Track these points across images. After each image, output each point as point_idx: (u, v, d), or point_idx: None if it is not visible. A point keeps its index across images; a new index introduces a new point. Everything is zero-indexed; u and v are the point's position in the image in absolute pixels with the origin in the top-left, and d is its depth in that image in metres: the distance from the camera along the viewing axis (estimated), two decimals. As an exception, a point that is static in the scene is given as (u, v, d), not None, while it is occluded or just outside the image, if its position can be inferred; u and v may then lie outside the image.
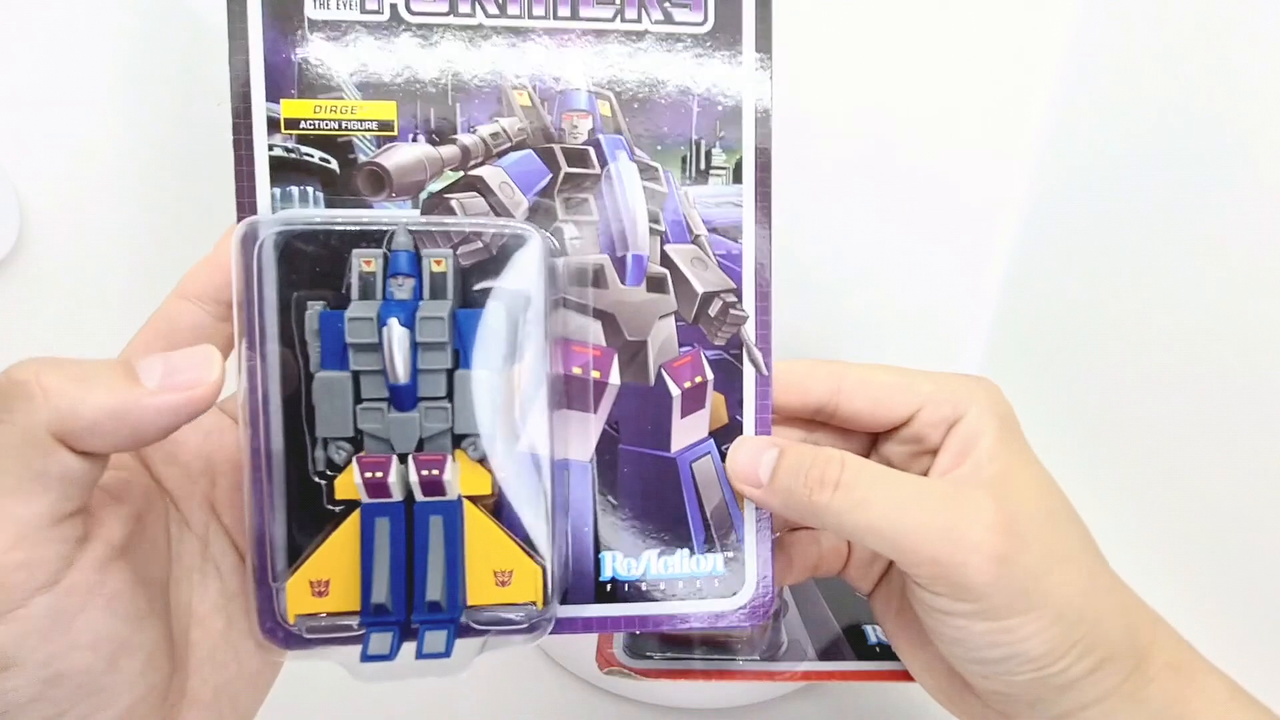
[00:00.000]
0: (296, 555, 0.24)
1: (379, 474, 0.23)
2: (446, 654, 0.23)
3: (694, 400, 0.27)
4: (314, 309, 0.23)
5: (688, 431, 0.27)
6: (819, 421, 0.27)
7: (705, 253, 0.27)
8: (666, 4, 0.26)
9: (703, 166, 0.27)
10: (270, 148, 0.25)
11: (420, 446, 0.23)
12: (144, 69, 0.31)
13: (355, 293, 0.23)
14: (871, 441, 0.27)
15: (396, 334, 0.22)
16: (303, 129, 0.25)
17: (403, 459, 0.23)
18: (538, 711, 0.34)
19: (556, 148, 0.26)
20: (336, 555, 0.24)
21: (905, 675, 0.31)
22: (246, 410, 0.23)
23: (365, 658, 0.23)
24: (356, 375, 0.23)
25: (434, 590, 0.23)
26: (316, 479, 0.24)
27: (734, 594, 0.28)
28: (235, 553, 0.23)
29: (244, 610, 0.24)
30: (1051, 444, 0.38)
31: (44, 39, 0.29)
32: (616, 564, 0.27)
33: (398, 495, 0.23)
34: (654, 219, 0.27)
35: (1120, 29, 0.36)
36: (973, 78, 0.41)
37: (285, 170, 0.25)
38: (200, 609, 0.22)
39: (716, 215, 0.27)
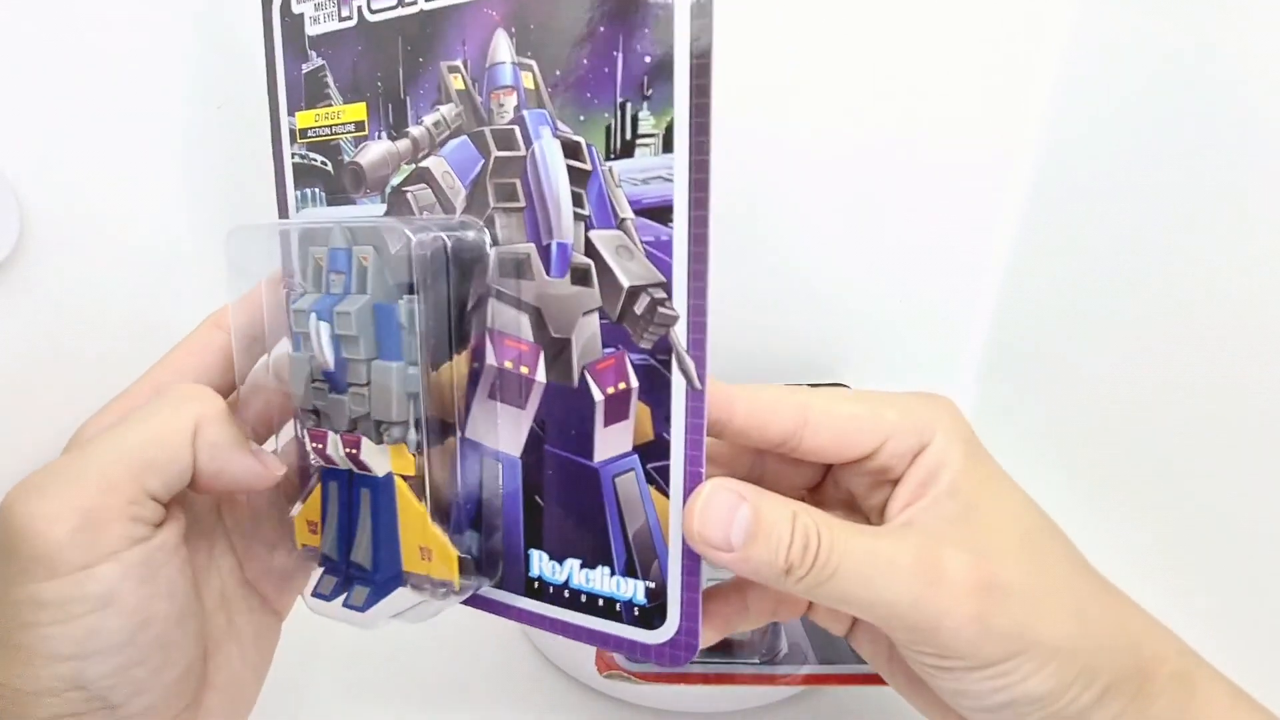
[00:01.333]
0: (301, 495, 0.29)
1: (320, 445, 0.26)
2: (362, 609, 0.26)
3: (618, 408, 0.24)
4: (291, 297, 0.27)
5: (611, 442, 0.24)
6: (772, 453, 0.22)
7: (631, 240, 0.23)
8: None
9: (628, 136, 0.22)
10: (292, 156, 0.29)
11: (354, 426, 0.26)
12: (145, 71, 0.30)
13: (310, 284, 0.26)
14: (825, 469, 0.24)
15: (314, 327, 0.24)
16: (309, 137, 0.28)
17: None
18: (536, 714, 0.31)
19: (486, 130, 0.24)
20: (319, 504, 0.28)
21: None
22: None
23: (314, 592, 0.27)
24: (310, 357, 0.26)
25: (358, 552, 0.25)
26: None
27: (655, 628, 0.24)
28: (233, 555, 0.23)
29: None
30: (1049, 445, 0.38)
31: (44, 40, 0.27)
32: (543, 564, 0.26)
33: (342, 466, 0.26)
34: (578, 201, 0.23)
35: (1120, 28, 0.34)
36: (972, 77, 0.39)
37: (303, 175, 0.29)
38: (209, 605, 0.22)
39: (644, 193, 0.22)
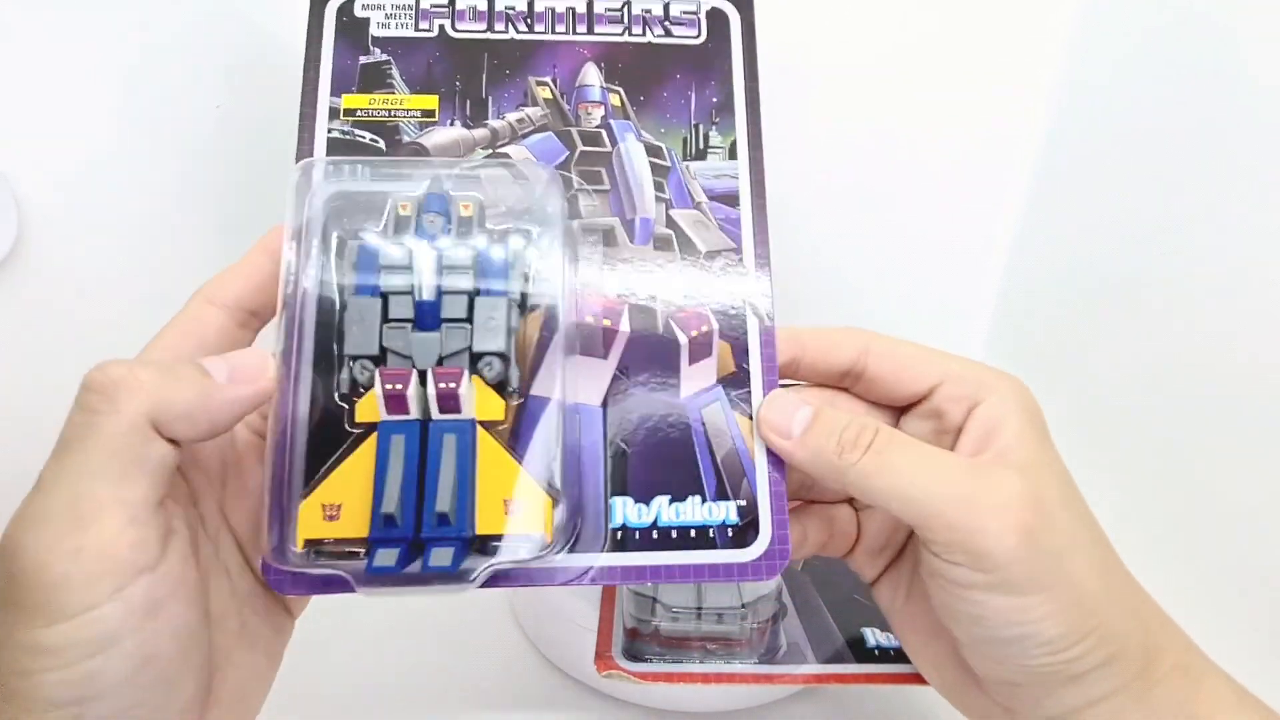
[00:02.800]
0: (312, 479, 0.23)
1: (399, 385, 0.22)
2: (452, 569, 0.21)
3: (701, 348, 0.28)
4: (352, 245, 0.25)
5: (696, 378, 0.27)
6: (841, 389, 0.25)
7: (707, 217, 0.29)
8: (666, 23, 0.30)
9: (701, 146, 0.30)
10: (330, 131, 0.28)
11: (440, 365, 0.24)
12: (144, 70, 0.30)
13: (391, 230, 0.25)
14: (895, 419, 0.25)
15: (424, 253, 0.24)
16: (357, 116, 0.28)
17: (422, 380, 0.23)
18: (535, 714, 0.31)
19: (573, 130, 0.29)
20: (352, 478, 0.23)
21: (906, 679, 0.27)
22: (283, 335, 0.22)
23: (370, 569, 0.21)
24: (385, 299, 0.24)
25: (444, 502, 0.22)
26: (340, 402, 0.24)
27: (748, 545, 0.26)
28: (240, 554, 0.21)
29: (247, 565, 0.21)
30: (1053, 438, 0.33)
31: (43, 39, 0.27)
32: (627, 510, 0.26)
33: (415, 412, 0.23)
34: (659, 188, 0.29)
35: (1121, 27, 0.34)
36: (974, 77, 0.39)
37: (341, 150, 0.28)
38: (216, 610, 0.20)
39: (716, 185, 0.29)
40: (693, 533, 0.23)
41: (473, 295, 0.21)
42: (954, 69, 0.39)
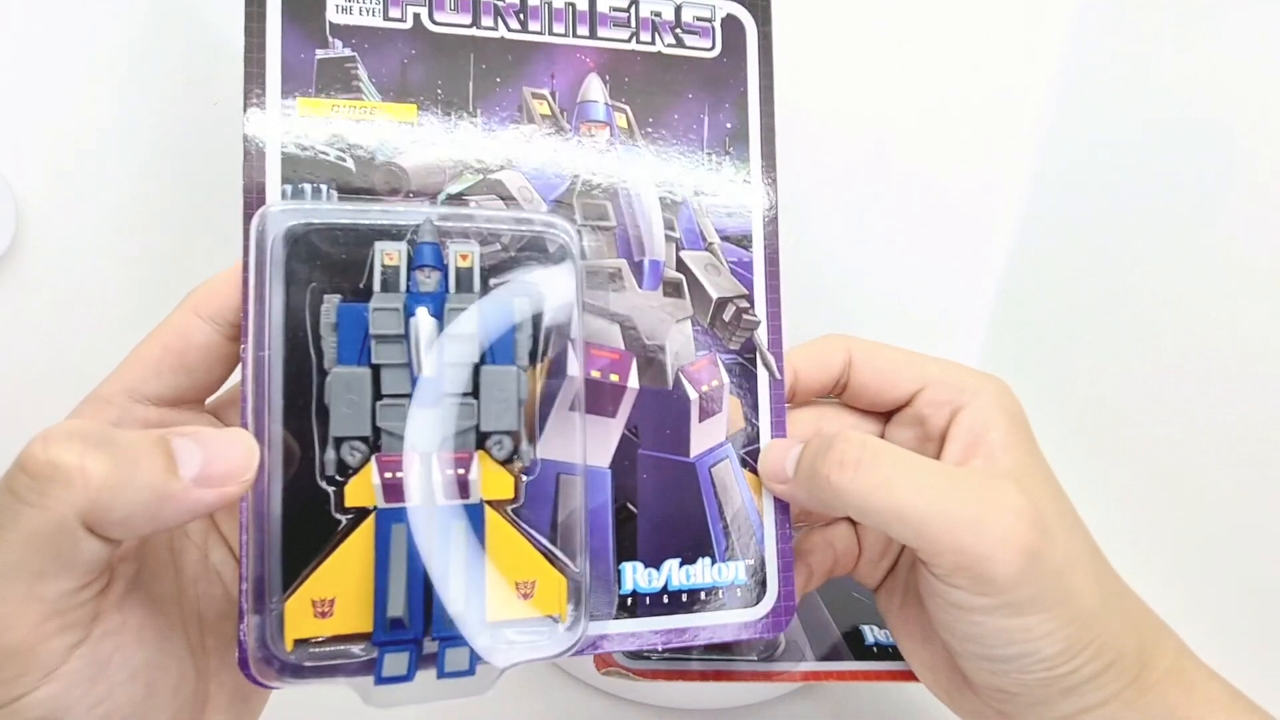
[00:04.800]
0: (295, 574, 0.21)
1: (397, 474, 0.20)
2: (470, 671, 0.20)
3: (712, 403, 0.26)
4: (331, 301, 0.21)
5: (706, 435, 0.26)
6: (830, 399, 0.25)
7: (718, 259, 0.27)
8: (678, 29, 0.26)
9: (715, 178, 0.27)
10: (284, 145, 0.23)
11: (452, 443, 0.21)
12: (141, 67, 0.29)
13: (377, 285, 0.21)
14: (883, 426, 0.25)
15: (424, 325, 0.20)
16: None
17: (423, 459, 0.20)
18: (535, 713, 0.31)
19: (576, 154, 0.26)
20: (344, 570, 0.20)
21: (903, 675, 0.27)
22: (251, 410, 0.19)
23: (380, 680, 0.19)
24: (376, 370, 0.21)
25: (457, 601, 0.20)
26: (324, 485, 0.21)
27: (757, 603, 0.26)
28: (235, 559, 0.20)
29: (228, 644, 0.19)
30: (1050, 444, 0.33)
31: (40, 36, 0.27)
32: (637, 576, 0.25)
33: (416, 499, 0.20)
34: (669, 226, 0.26)
35: (1120, 29, 0.34)
36: (972, 80, 0.38)
37: (298, 167, 0.23)
38: (210, 616, 0.20)
39: (728, 225, 0.27)
40: (703, 594, 0.22)
41: (477, 366, 0.19)
42: (953, 74, 0.38)
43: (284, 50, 0.21)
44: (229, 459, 0.16)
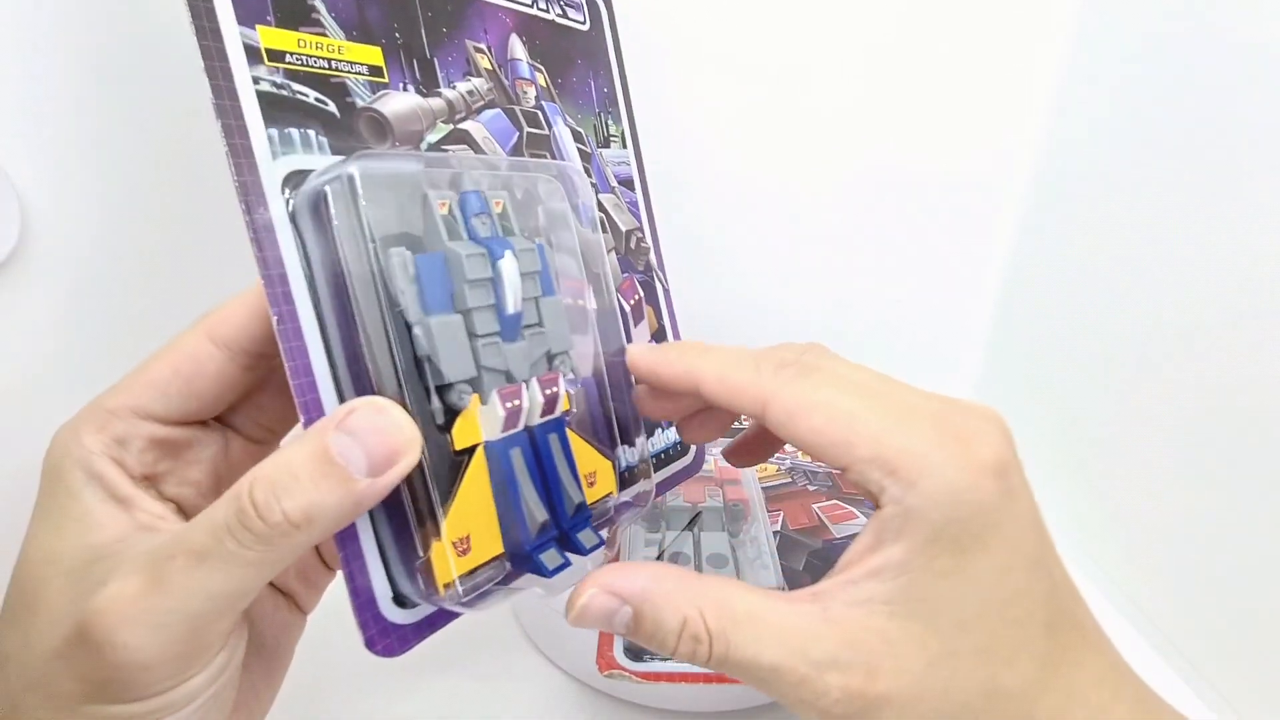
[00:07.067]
0: (421, 524, 0.22)
1: (517, 402, 0.24)
2: (603, 543, 0.26)
3: (637, 313, 0.35)
4: (403, 255, 0.22)
5: (637, 338, 0.35)
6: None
7: (619, 199, 0.35)
8: (562, 1, 0.32)
9: (605, 134, 0.35)
10: (255, 80, 0.21)
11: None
12: (147, 68, 0.30)
13: (444, 233, 0.23)
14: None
15: (509, 267, 0.23)
16: (289, 63, 0.22)
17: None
18: (536, 714, 0.30)
19: (516, 109, 0.30)
20: (469, 506, 0.22)
21: None
22: (347, 382, 0.18)
23: (550, 573, 0.23)
24: (465, 314, 0.23)
25: (575, 495, 0.25)
26: (441, 433, 0.23)
27: (687, 453, 0.37)
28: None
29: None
30: (1051, 445, 0.36)
31: (45, 37, 0.27)
32: (628, 455, 0.33)
33: (523, 424, 0.25)
34: (587, 173, 0.33)
35: (1120, 30, 0.34)
36: (970, 81, 0.39)
37: (281, 110, 0.22)
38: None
39: (620, 171, 0.35)
40: (663, 454, 0.33)
41: (538, 299, 0.25)
42: (953, 78, 0.39)
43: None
44: (389, 430, 0.16)
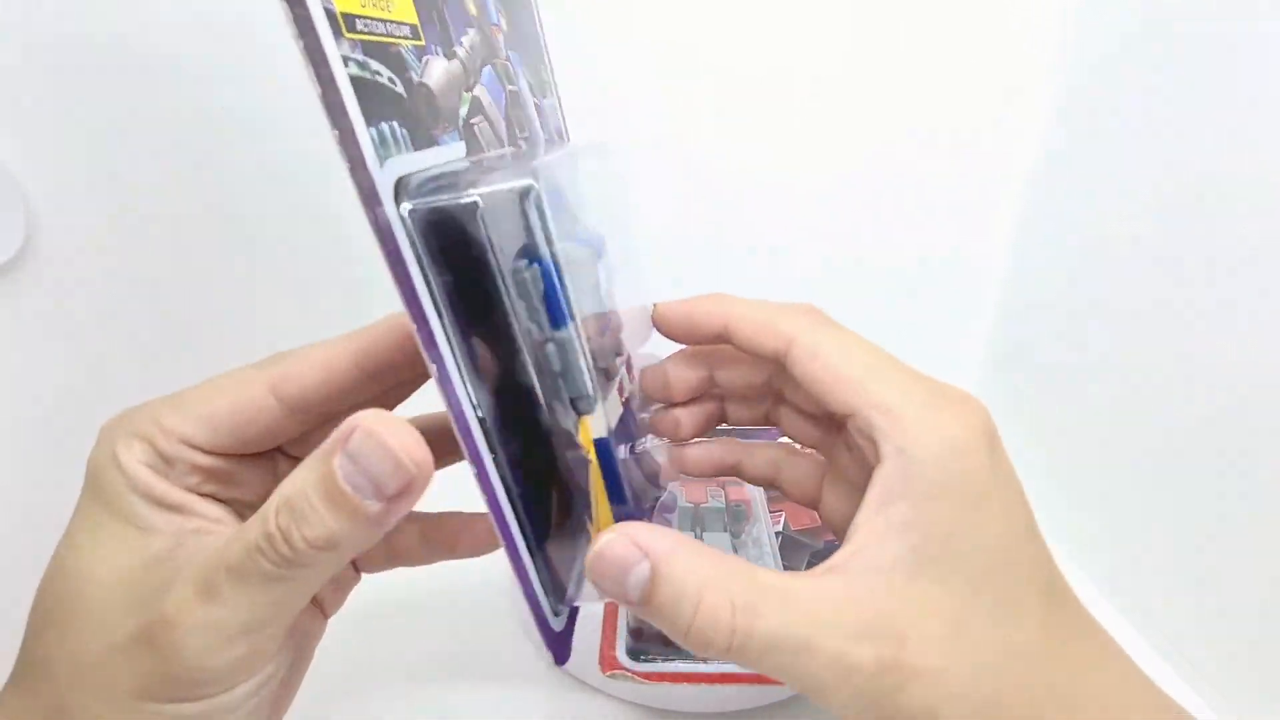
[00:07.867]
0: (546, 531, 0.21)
1: (626, 396, 0.25)
2: (674, 508, 0.29)
3: None
4: (533, 270, 0.21)
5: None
6: (773, 394, 0.22)
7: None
8: None
9: (543, 81, 0.33)
10: (345, 62, 0.18)
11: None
12: (152, 70, 0.29)
13: (555, 236, 0.22)
14: (836, 435, 0.20)
15: (604, 267, 0.24)
16: (360, 32, 0.18)
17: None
18: (539, 714, 0.30)
19: (496, 63, 0.27)
20: (599, 500, 0.23)
21: None
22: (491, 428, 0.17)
23: None
24: (582, 320, 0.23)
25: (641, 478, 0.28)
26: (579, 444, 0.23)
27: None
28: None
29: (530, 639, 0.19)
30: (1050, 445, 0.35)
31: (50, 38, 0.26)
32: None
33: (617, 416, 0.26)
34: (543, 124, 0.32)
35: (1120, 31, 0.33)
36: (971, 78, 0.38)
37: (369, 99, 0.18)
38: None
39: (555, 124, 0.34)
40: None
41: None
42: (953, 78, 0.39)
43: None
44: (410, 444, 0.15)
